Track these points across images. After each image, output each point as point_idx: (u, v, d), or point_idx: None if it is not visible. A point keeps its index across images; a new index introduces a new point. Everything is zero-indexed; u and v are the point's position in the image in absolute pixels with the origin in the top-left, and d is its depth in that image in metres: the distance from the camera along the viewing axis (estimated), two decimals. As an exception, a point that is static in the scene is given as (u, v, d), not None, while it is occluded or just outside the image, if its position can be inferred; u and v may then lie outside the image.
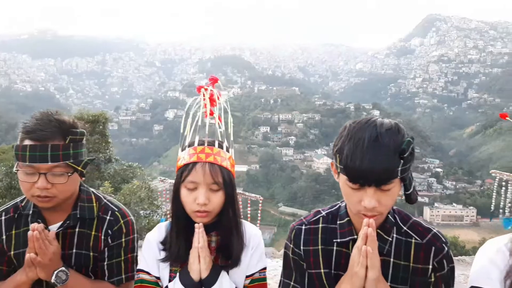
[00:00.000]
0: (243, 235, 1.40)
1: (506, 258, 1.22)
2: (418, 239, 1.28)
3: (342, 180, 1.17)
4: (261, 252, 1.44)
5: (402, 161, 1.11)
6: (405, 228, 1.30)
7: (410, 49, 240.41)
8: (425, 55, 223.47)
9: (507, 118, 1.28)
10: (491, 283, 1.21)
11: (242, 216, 1.45)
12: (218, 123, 1.49)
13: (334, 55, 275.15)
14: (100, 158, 11.57)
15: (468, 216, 70.67)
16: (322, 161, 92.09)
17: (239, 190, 1.96)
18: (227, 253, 1.36)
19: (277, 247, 6.05)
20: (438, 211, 73.17)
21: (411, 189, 1.18)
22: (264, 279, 1.44)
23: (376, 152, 1.09)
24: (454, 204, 76.55)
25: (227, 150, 1.41)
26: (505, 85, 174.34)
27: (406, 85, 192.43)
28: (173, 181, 1.49)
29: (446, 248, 1.27)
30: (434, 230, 1.30)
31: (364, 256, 1.15)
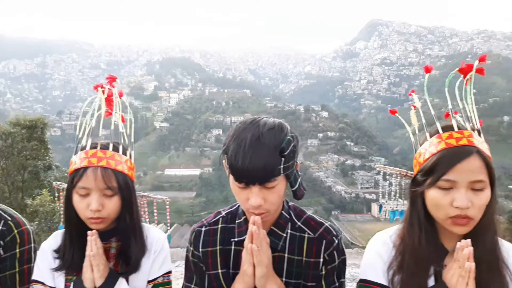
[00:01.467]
0: (144, 239, 1.38)
1: (390, 250, 1.26)
2: (311, 233, 1.30)
3: (231, 179, 1.18)
4: (165, 256, 1.42)
5: (283, 159, 1.13)
6: (299, 223, 1.32)
7: (355, 53, 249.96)
8: (369, 58, 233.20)
9: (395, 114, 1.41)
10: (376, 275, 1.25)
11: (142, 220, 1.42)
12: (121, 124, 1.45)
13: (283, 58, 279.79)
14: (39, 165, 10.82)
15: (412, 210, 74.40)
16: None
17: (144, 193, 2.03)
18: (126, 259, 1.33)
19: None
20: (385, 207, 76.24)
21: (297, 186, 1.20)
22: (169, 283, 1.43)
23: (257, 151, 1.11)
24: (399, 199, 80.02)
25: (124, 153, 1.37)
26: (443, 87, 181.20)
27: (352, 87, 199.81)
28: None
29: (336, 241, 1.30)
30: (326, 224, 1.33)
31: (250, 254, 1.15)
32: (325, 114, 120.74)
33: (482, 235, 1.14)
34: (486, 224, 1.14)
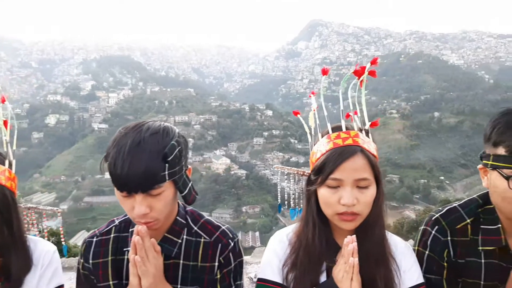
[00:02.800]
0: (28, 254, 1.29)
1: (286, 248, 1.27)
2: (207, 237, 1.29)
3: (115, 188, 1.12)
4: (54, 270, 1.34)
5: (167, 165, 1.09)
6: (195, 228, 1.30)
7: (297, 52, 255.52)
8: (310, 57, 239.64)
9: (298, 115, 1.44)
10: (273, 273, 1.26)
11: (27, 233, 1.34)
12: (3, 130, 1.34)
13: (227, 56, 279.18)
14: None
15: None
16: (221, 161, 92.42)
17: (31, 204, 1.87)
18: (7, 275, 1.25)
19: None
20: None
21: (186, 191, 1.17)
22: None
23: (137, 157, 1.06)
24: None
25: (2, 162, 1.28)
26: (379, 85, 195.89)
27: (295, 86, 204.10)
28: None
29: (232, 244, 1.28)
30: (223, 227, 1.32)
31: (133, 265, 1.12)
32: (269, 112, 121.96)
33: (370, 230, 1.18)
34: (374, 219, 1.18)
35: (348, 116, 1.29)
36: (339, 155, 1.14)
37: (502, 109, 1.18)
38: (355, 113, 1.32)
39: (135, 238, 1.11)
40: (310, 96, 1.50)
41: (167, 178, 1.10)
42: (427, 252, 1.28)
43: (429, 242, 1.28)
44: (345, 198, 1.12)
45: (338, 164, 1.13)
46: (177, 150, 1.11)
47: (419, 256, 1.30)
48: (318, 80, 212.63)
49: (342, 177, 1.13)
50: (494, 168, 1.13)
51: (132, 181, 1.06)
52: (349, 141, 1.18)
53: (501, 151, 1.11)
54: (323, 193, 1.16)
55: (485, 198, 1.25)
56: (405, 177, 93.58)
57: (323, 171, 1.16)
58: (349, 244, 1.10)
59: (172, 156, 1.09)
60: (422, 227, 1.33)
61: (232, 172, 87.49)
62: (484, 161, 1.18)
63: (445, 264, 1.27)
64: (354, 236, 1.12)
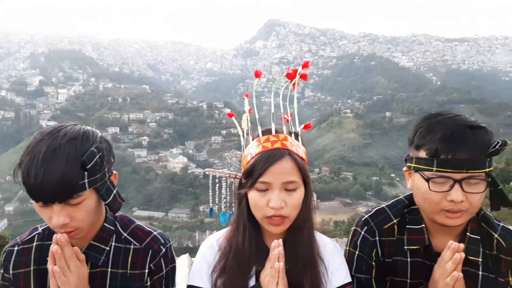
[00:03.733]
0: None
1: (215, 253, 1.26)
2: (137, 244, 1.25)
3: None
4: None
5: (86, 172, 1.04)
6: (125, 234, 1.26)
7: (255, 51, 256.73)
8: (268, 57, 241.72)
9: (232, 117, 1.44)
10: (201, 280, 1.25)
11: None
12: None
13: (184, 53, 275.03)
14: None
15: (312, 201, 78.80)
16: (177, 160, 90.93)
17: None
18: None
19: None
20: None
21: (110, 199, 1.12)
22: None
23: (52, 165, 1.00)
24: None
25: None
26: (334, 85, 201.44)
27: (253, 85, 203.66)
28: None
29: (164, 250, 1.26)
30: (155, 233, 1.28)
31: (52, 276, 1.08)
32: (227, 111, 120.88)
33: (299, 233, 1.19)
34: (302, 221, 1.20)
35: (282, 119, 1.31)
36: (267, 159, 1.15)
37: (425, 113, 1.22)
38: (287, 116, 1.34)
39: (53, 248, 1.06)
40: (244, 99, 1.45)
41: (87, 186, 1.05)
42: (357, 252, 1.31)
43: (358, 243, 1.31)
44: (273, 201, 1.13)
45: (266, 167, 1.14)
46: (97, 157, 1.06)
47: (350, 256, 1.33)
48: (276, 79, 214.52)
49: (270, 180, 1.14)
50: (416, 170, 1.16)
51: (47, 191, 1.01)
52: (278, 145, 1.18)
53: (422, 154, 1.14)
54: (253, 196, 1.17)
55: (411, 199, 1.29)
56: (358, 174, 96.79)
57: (252, 175, 1.16)
58: (275, 248, 1.10)
59: (91, 163, 1.04)
60: (353, 228, 1.35)
61: (190, 171, 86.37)
62: (408, 164, 1.22)
63: (374, 263, 1.30)
64: (281, 240, 1.12)
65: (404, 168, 1.25)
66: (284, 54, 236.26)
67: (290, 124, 1.31)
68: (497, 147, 1.09)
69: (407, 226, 1.27)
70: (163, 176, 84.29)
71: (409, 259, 1.27)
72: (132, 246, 1.25)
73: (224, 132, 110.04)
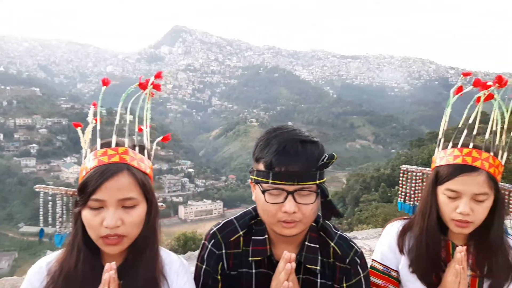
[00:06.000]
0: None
1: (43, 278, 1.16)
2: None
3: None
4: None
5: None
6: None
7: (160, 56, 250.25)
8: (174, 63, 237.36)
9: (78, 127, 1.31)
10: None
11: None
12: None
13: (81, 55, 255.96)
14: None
15: (216, 209, 78.23)
16: (72, 170, 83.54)
17: None
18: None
19: (20, 273, 5.39)
20: (191, 208, 78.08)
21: None
22: None
23: None
24: (204, 200, 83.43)
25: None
26: (240, 94, 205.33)
27: (156, 92, 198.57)
28: None
29: None
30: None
31: None
32: (130, 117, 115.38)
33: (140, 252, 1.14)
34: (144, 240, 1.14)
35: (140, 130, 1.28)
36: (101, 174, 1.07)
37: (268, 128, 1.25)
38: (145, 127, 1.31)
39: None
40: (90, 107, 1.33)
41: None
42: (204, 266, 1.29)
43: (205, 257, 1.29)
44: (107, 220, 1.06)
45: (99, 183, 1.06)
46: None
47: (197, 271, 1.31)
48: (182, 86, 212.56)
49: (104, 197, 1.06)
50: (256, 182, 1.18)
51: None
52: (115, 158, 1.11)
53: (261, 166, 1.17)
54: (86, 215, 1.08)
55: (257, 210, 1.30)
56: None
57: (84, 191, 1.08)
58: (107, 272, 1.05)
59: None
60: (202, 242, 1.34)
61: (86, 182, 79.78)
62: (250, 176, 1.24)
63: (219, 277, 1.29)
64: (113, 263, 1.06)
65: (250, 180, 1.25)
66: (190, 61, 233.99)
67: (147, 136, 1.29)
68: (325, 160, 1.15)
69: (253, 238, 1.28)
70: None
71: (254, 271, 1.28)
72: None
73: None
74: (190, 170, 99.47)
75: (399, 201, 1.61)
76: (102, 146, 1.17)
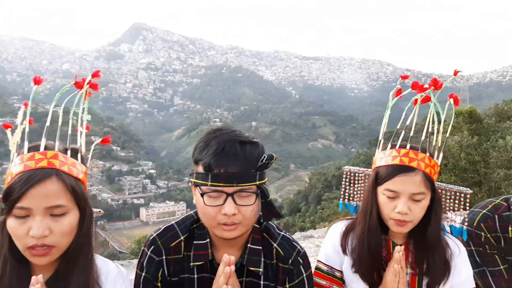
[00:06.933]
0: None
1: None
2: None
3: None
4: None
5: None
6: None
7: (119, 54, 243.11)
8: (134, 61, 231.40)
9: (7, 129, 1.28)
10: None
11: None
12: None
13: (35, 52, 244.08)
14: None
15: (179, 210, 76.82)
16: (25, 172, 79.32)
17: None
18: None
19: None
20: (153, 210, 76.35)
21: None
22: None
23: None
24: (167, 201, 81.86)
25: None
26: (203, 94, 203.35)
27: (118, 90, 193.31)
28: None
29: None
30: None
31: None
32: (88, 117, 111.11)
33: (73, 261, 1.09)
34: (77, 248, 1.09)
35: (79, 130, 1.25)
36: (26, 180, 1.01)
37: (209, 129, 1.24)
38: (82, 129, 1.25)
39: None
40: (20, 108, 1.26)
41: None
42: (143, 274, 1.26)
43: (145, 264, 1.26)
44: (33, 229, 0.99)
45: (24, 190, 1.00)
46: None
47: (137, 279, 1.29)
48: (143, 85, 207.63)
49: (30, 205, 1.00)
50: (195, 185, 1.16)
51: None
52: (43, 163, 1.05)
53: (200, 168, 1.14)
54: (11, 224, 1.02)
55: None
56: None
57: (9, 199, 1.02)
58: (33, 286, 0.99)
59: None
60: (142, 248, 1.31)
61: (41, 184, 76.12)
62: (190, 179, 1.22)
63: (160, 284, 1.27)
64: (41, 276, 1.01)
65: (190, 183, 1.22)
66: (151, 59, 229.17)
67: (81, 138, 1.23)
68: (264, 161, 1.14)
69: (194, 242, 1.26)
70: (6, 191, 72.44)
71: (196, 276, 1.26)
72: None
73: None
74: (152, 171, 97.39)
75: (340, 201, 1.63)
76: (29, 149, 1.10)
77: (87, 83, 1.23)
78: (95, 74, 1.24)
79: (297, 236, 5.60)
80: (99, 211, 1.22)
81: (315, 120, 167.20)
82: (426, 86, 1.34)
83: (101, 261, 1.20)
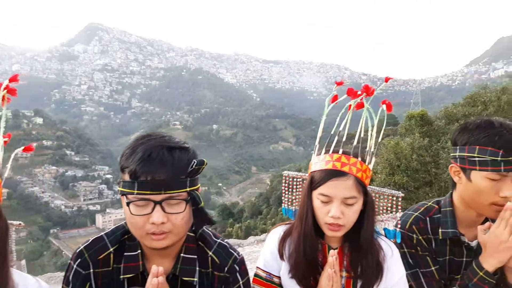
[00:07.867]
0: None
1: None
2: None
3: None
4: None
5: None
6: None
7: (73, 55, 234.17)
8: (90, 62, 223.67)
9: None
10: None
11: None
12: None
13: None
14: None
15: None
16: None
17: None
18: None
19: None
20: (110, 217, 73.74)
21: None
22: None
23: None
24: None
25: None
26: (162, 96, 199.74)
27: (72, 92, 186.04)
28: None
29: None
30: None
31: None
32: (39, 120, 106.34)
33: None
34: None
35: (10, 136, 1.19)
36: None
37: (138, 136, 1.20)
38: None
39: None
40: None
41: None
42: None
43: (70, 278, 1.21)
44: None
45: None
46: None
47: None
48: (99, 87, 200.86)
49: None
50: (122, 194, 1.12)
51: None
52: None
53: (126, 176, 1.10)
54: None
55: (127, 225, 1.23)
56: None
57: None
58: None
59: None
60: (68, 262, 1.26)
61: (-13, 192, 71.57)
62: (118, 188, 1.16)
63: None
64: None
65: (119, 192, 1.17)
66: (108, 61, 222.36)
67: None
68: (194, 166, 1.11)
69: (125, 254, 1.22)
70: None
71: None
72: None
73: (34, 144, 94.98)
74: (108, 176, 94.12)
75: (283, 207, 1.63)
76: None
77: (4, 88, 1.15)
78: (13, 79, 1.17)
79: (250, 240, 5.47)
80: (19, 224, 1.12)
81: (276, 123, 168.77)
82: (359, 92, 1.38)
83: (18, 276, 1.13)
